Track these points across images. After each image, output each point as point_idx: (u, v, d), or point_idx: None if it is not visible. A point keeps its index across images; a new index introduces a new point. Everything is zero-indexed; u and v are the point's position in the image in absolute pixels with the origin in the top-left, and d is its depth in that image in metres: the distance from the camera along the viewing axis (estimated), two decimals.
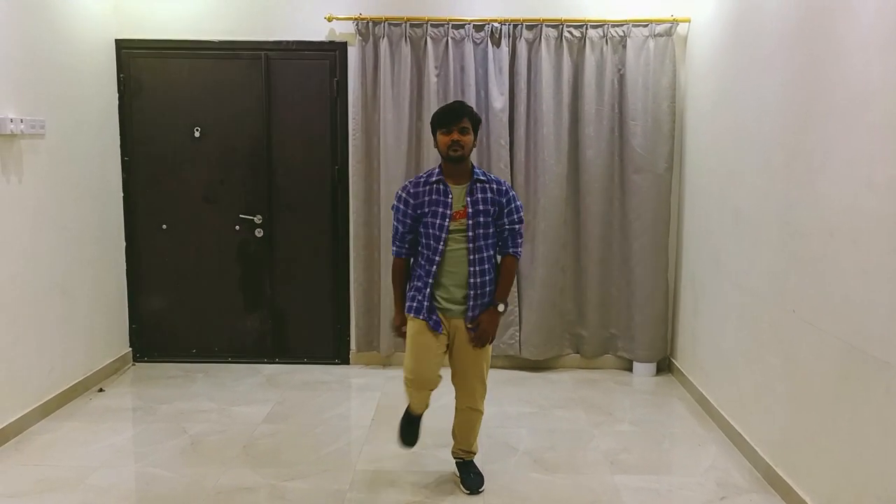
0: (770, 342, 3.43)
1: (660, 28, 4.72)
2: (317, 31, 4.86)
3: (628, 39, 4.73)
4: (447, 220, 3.07)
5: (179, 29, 4.87)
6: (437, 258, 3.08)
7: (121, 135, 4.95)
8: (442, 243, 3.07)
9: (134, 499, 3.26)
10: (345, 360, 5.16)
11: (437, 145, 3.12)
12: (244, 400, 4.46)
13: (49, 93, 4.15)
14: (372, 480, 3.43)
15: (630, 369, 5.05)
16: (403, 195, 3.15)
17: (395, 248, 3.22)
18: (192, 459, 3.64)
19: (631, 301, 4.95)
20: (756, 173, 3.62)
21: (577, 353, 5.11)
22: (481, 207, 3.09)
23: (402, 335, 3.21)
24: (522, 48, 4.75)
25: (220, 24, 4.86)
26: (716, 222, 4.20)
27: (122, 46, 4.88)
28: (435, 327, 3.12)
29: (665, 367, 5.07)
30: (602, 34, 4.75)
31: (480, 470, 3.38)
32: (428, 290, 3.10)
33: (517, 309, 4.95)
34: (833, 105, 2.88)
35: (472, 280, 3.10)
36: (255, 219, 5.03)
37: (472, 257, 3.09)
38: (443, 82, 4.79)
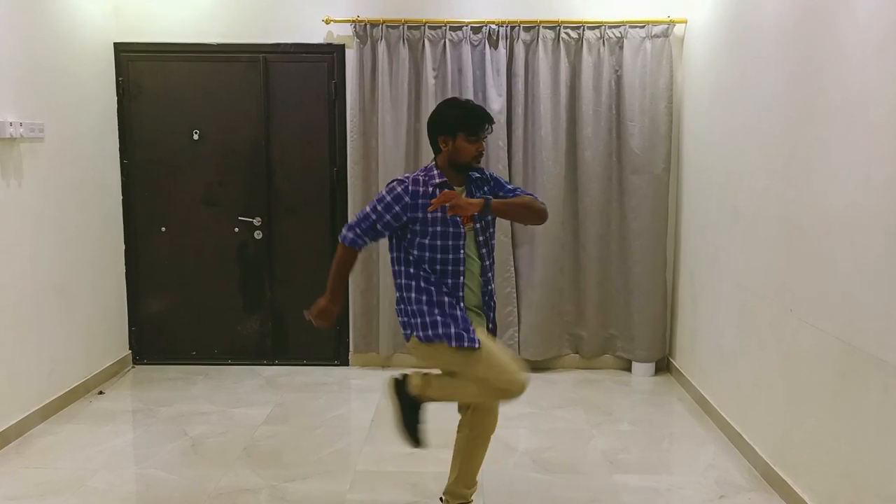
0: (768, 341, 3.44)
1: (657, 29, 4.74)
2: (315, 34, 4.87)
3: (625, 40, 4.75)
4: (461, 226, 2.72)
5: (178, 32, 4.88)
6: (462, 268, 2.73)
7: (120, 138, 4.96)
8: (462, 251, 2.73)
9: (134, 501, 3.27)
10: (344, 362, 5.17)
11: (452, 147, 2.73)
12: (244, 402, 4.47)
13: (48, 97, 4.15)
14: (372, 481, 3.44)
15: (629, 369, 5.06)
16: (399, 190, 2.72)
17: (352, 236, 2.78)
18: (193, 461, 3.64)
19: (630, 301, 4.96)
20: (754, 173, 3.63)
21: (577, 353, 5.12)
22: (489, 194, 2.83)
23: (325, 320, 2.83)
24: (520, 50, 4.77)
25: (218, 27, 4.87)
26: (714, 222, 4.21)
27: (121, 50, 4.89)
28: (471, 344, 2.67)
29: (664, 366, 5.08)
30: (599, 35, 4.76)
31: None
32: (461, 302, 2.74)
33: (516, 310, 4.96)
34: (830, 105, 2.89)
35: (487, 287, 2.85)
36: (254, 221, 5.04)
37: (486, 263, 2.83)
38: (440, 84, 4.80)
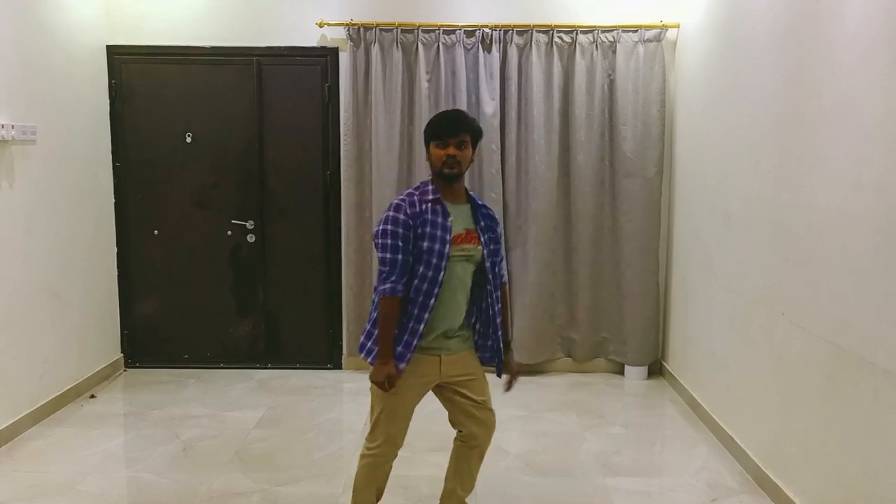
0: (760, 344, 3.46)
1: (649, 33, 4.76)
2: (308, 37, 4.88)
3: (618, 45, 4.76)
4: (447, 245, 2.60)
5: (171, 35, 4.87)
6: (436, 290, 2.60)
7: (112, 140, 4.95)
8: (442, 273, 2.59)
9: None
10: (337, 365, 5.16)
11: (429, 158, 2.68)
12: (236, 405, 4.45)
13: (40, 98, 4.14)
14: None
15: (621, 373, 5.07)
16: (402, 218, 2.59)
17: (390, 285, 2.57)
18: (185, 465, 3.63)
19: (622, 304, 4.97)
20: (746, 176, 3.65)
21: (569, 356, 5.13)
22: (492, 235, 2.77)
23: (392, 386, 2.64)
24: (513, 53, 4.78)
25: (211, 30, 4.87)
26: (706, 225, 4.23)
27: (114, 52, 4.88)
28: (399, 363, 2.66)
29: (656, 370, 5.09)
30: (592, 40, 4.78)
31: None
32: (422, 326, 2.62)
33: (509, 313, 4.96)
34: (821, 108, 2.91)
35: (494, 317, 2.80)
36: (247, 224, 5.03)
37: (493, 290, 2.78)
38: (434, 87, 4.81)
